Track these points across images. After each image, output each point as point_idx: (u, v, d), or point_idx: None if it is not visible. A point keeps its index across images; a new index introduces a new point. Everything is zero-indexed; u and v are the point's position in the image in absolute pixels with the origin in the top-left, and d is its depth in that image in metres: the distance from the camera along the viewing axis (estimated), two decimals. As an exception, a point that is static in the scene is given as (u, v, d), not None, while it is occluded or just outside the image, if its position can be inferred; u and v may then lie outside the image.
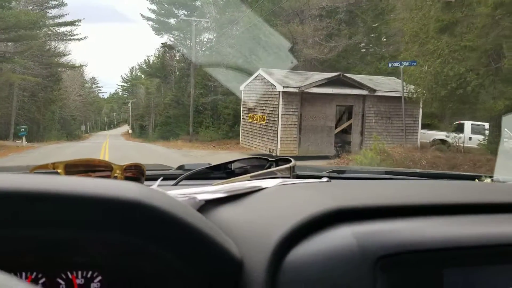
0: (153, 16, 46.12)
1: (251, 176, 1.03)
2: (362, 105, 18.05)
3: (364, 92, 17.71)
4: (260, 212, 0.73)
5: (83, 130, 68.48)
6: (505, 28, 11.25)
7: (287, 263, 0.58)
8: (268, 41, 26.47)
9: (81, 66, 55.91)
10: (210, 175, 1.37)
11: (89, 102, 75.19)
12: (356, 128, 18.18)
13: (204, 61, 32.49)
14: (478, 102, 14.65)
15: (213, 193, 0.82)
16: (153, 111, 54.86)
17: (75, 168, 1.01)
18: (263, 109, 18.15)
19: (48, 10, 39.22)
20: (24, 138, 27.08)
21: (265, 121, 17.93)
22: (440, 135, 18.57)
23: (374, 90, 17.74)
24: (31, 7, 36.91)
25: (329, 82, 17.16)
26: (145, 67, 62.75)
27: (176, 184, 1.23)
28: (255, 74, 19.08)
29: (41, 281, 0.60)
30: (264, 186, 0.86)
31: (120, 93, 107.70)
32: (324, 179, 1.10)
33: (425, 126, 19.61)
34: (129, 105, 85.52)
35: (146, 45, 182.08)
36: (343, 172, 1.70)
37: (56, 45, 43.14)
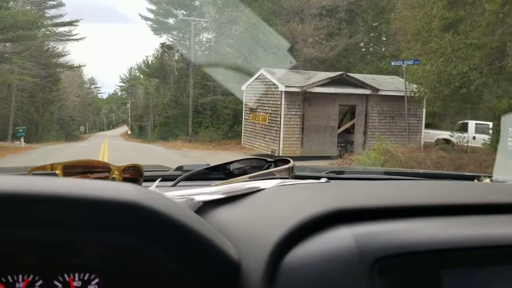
0: (151, 16, 46.04)
1: (249, 177, 1.03)
2: (365, 104, 17.91)
3: (367, 92, 17.56)
4: (258, 213, 0.73)
5: (82, 131, 68.43)
6: (511, 25, 11.11)
7: (285, 265, 0.58)
8: (268, 41, 26.38)
9: (79, 66, 55.79)
10: (209, 176, 1.37)
11: (88, 102, 75.08)
12: (359, 128, 18.04)
13: (203, 61, 32.38)
14: (481, 101, 14.56)
15: (211, 195, 0.82)
16: (152, 112, 54.77)
17: (73, 169, 1.02)
18: (265, 109, 18.02)
19: (46, 10, 39.25)
20: (22, 139, 26.91)
21: (267, 121, 17.79)
22: (444, 134, 18.41)
23: (377, 90, 17.61)
24: (29, 7, 36.87)
25: (331, 82, 17.02)
26: (144, 68, 62.59)
27: (174, 185, 1.23)
28: (257, 74, 18.92)
29: (38, 284, 0.60)
30: (262, 187, 0.85)
31: (119, 93, 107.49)
32: (323, 180, 1.11)
33: (426, 126, 19.47)
34: (128, 105, 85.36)
35: (145, 45, 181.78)
36: (342, 172, 1.71)
37: (54, 45, 42.98)
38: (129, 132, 72.84)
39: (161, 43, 47.25)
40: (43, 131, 41.31)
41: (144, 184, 1.12)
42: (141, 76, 69.49)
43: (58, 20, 39.90)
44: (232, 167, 1.34)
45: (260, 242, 0.61)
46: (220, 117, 30.44)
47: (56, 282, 0.60)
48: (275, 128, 17.13)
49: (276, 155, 16.60)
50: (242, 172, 1.31)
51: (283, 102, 16.66)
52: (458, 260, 0.60)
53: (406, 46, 16.08)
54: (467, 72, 12.89)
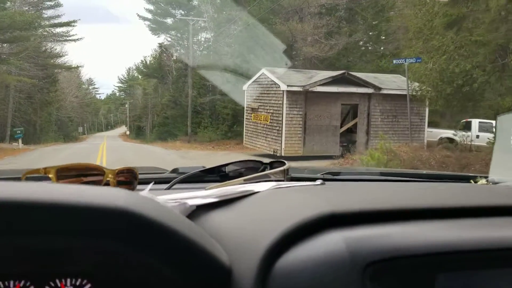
0: (149, 16, 46.01)
1: (244, 180, 1.03)
2: (368, 103, 17.79)
3: (370, 90, 17.44)
4: (251, 218, 0.73)
5: (80, 132, 68.50)
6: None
7: (277, 270, 0.58)
8: (267, 40, 26.25)
9: (77, 67, 55.63)
10: (204, 178, 1.37)
11: (86, 103, 75.15)
12: (362, 127, 17.93)
13: (202, 61, 32.24)
14: (483, 100, 14.42)
15: (204, 198, 0.81)
16: (150, 112, 54.73)
17: (66, 172, 1.01)
18: (267, 109, 17.91)
19: (43, 11, 39.15)
20: (20, 141, 26.89)
21: (269, 120, 17.67)
22: (447, 133, 18.29)
23: (380, 88, 17.49)
24: (26, 8, 36.69)
25: (333, 81, 16.89)
26: (142, 68, 62.49)
27: (169, 188, 1.23)
28: (258, 73, 18.81)
29: None
30: (256, 190, 0.85)
31: (117, 94, 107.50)
32: (318, 182, 1.07)
33: (428, 124, 19.33)
34: (126, 106, 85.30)
35: (143, 45, 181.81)
36: (338, 173, 1.70)
37: (52, 46, 42.88)
38: (128, 132, 72.81)
39: (159, 43, 47.23)
40: (41, 132, 41.28)
41: (139, 187, 1.13)
42: (139, 77, 69.40)
43: (56, 21, 39.97)
44: (227, 169, 1.34)
45: (252, 246, 0.61)
46: (219, 117, 30.30)
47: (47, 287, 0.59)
48: (277, 128, 17.03)
49: (278, 155, 16.58)
50: (237, 175, 1.29)
51: (285, 102, 16.56)
52: (452, 263, 0.60)
53: (407, 44, 15.98)
54: (469, 70, 12.76)
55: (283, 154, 16.40)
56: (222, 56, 29.60)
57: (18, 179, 1.16)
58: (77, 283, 0.59)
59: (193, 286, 0.56)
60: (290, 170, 1.25)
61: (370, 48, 31.33)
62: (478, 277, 0.61)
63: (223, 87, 25.19)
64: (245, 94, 20.17)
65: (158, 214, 0.56)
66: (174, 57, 44.13)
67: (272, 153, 17.05)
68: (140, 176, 1.20)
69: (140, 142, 42.04)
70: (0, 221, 0.50)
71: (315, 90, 16.61)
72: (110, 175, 1.07)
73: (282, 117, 16.66)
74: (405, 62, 15.09)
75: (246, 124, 20.18)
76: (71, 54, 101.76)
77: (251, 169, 1.30)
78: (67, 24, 39.91)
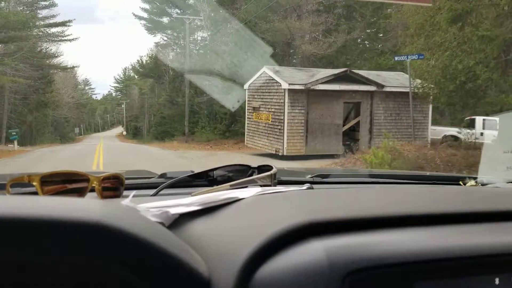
0: (145, 15, 45.78)
1: (230, 185, 1.03)
2: (370, 101, 17.63)
3: (372, 88, 17.28)
4: (232, 226, 0.73)
5: (76, 133, 68.51)
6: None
7: (256, 280, 0.58)
8: (265, 39, 26.09)
9: (73, 67, 55.54)
10: (193, 183, 1.37)
11: (82, 104, 75.13)
12: (365, 125, 17.78)
13: (199, 60, 32.07)
14: (486, 96, 14.27)
15: (187, 206, 0.81)
16: (147, 112, 54.69)
17: (51, 179, 1.01)
18: (269, 108, 17.77)
19: (38, 11, 38.97)
20: (16, 142, 26.77)
21: (270, 120, 17.51)
22: (451, 131, 18.13)
23: (383, 86, 17.32)
24: (21, 8, 36.49)
25: (336, 79, 16.74)
26: (138, 68, 62.27)
27: (155, 194, 1.23)
28: (259, 72, 18.64)
29: None
30: (241, 197, 0.85)
31: (114, 94, 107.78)
32: (305, 187, 1.10)
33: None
34: (122, 106, 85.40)
35: (139, 45, 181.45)
36: (327, 176, 1.71)
37: (47, 46, 42.68)
38: (124, 133, 72.87)
39: (155, 43, 47.08)
40: (37, 133, 41.22)
41: (126, 192, 1.13)
42: (136, 76, 69.24)
43: (51, 21, 39.82)
44: (215, 174, 1.34)
45: (231, 256, 0.60)
46: (216, 116, 30.10)
47: None
48: (279, 127, 16.89)
49: (280, 154, 16.49)
50: (226, 179, 1.30)
51: (286, 100, 16.41)
52: (431, 271, 0.60)
53: (408, 41, 15.77)
54: (473, 67, 12.59)
55: (285, 153, 16.32)
56: (219, 55, 29.40)
57: (3, 185, 1.12)
58: None
59: None
60: (279, 173, 1.27)
61: (368, 45, 31.26)
62: (459, 285, 0.61)
63: (221, 87, 24.95)
64: (246, 93, 20.03)
65: (134, 227, 0.55)
66: (171, 57, 43.99)
67: (274, 152, 16.96)
68: (128, 181, 1.23)
69: (137, 143, 42.01)
70: None
71: (317, 88, 16.48)
72: (95, 182, 1.07)
73: (284, 116, 16.52)
74: (407, 59, 14.88)
75: (248, 123, 20.02)
76: (66, 54, 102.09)
77: (239, 173, 1.30)
78: (62, 24, 39.79)
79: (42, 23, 38.59)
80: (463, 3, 11.74)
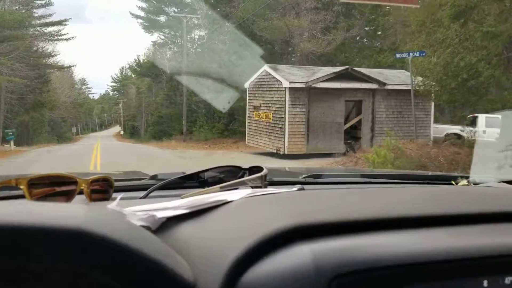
0: (142, 14, 45.58)
1: (220, 187, 1.02)
2: (372, 99, 17.55)
3: (374, 86, 17.19)
4: (219, 230, 0.73)
5: (74, 132, 68.39)
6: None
7: (242, 285, 0.57)
8: (263, 37, 25.97)
9: (70, 67, 55.45)
10: (183, 184, 1.37)
11: (79, 103, 75.03)
12: (366, 123, 17.71)
13: (196, 59, 31.93)
14: (488, 94, 14.15)
15: (174, 210, 0.79)
16: (144, 111, 54.52)
17: (39, 182, 1.01)
18: (269, 106, 17.71)
19: (34, 10, 38.80)
20: (12, 142, 26.62)
21: (271, 118, 17.46)
22: (454, 129, 18.03)
23: (384, 84, 17.23)
24: (16, 7, 36.29)
25: (337, 76, 16.67)
26: (135, 67, 62.04)
27: (145, 196, 1.23)
28: (260, 71, 18.61)
29: None
30: (229, 200, 0.84)
31: (111, 93, 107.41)
32: (295, 188, 1.07)
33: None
34: (120, 105, 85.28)
35: (136, 44, 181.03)
36: (319, 176, 1.71)
37: (43, 45, 42.57)
38: (122, 132, 72.75)
39: (152, 41, 46.93)
40: (34, 133, 41.10)
41: (116, 195, 1.12)
42: (133, 76, 68.98)
43: (47, 20, 39.60)
44: (206, 175, 1.33)
45: (217, 261, 0.60)
46: (215, 115, 29.92)
47: None
48: (280, 126, 16.82)
49: (281, 153, 16.42)
50: (217, 180, 1.29)
51: (287, 99, 16.34)
52: (423, 274, 0.59)
53: (409, 38, 15.67)
54: (475, 64, 12.48)
55: (286, 152, 16.26)
56: (216, 53, 29.26)
57: None
58: None
59: None
60: (272, 174, 1.30)
61: (367, 43, 31.19)
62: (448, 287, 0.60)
63: (219, 85, 24.81)
64: (247, 91, 19.95)
65: (117, 232, 0.55)
66: (168, 55, 43.85)
67: (275, 151, 16.89)
68: (118, 183, 1.24)
69: (135, 142, 41.94)
70: None
71: (318, 87, 16.40)
72: (83, 185, 1.06)
73: (285, 114, 16.45)
74: (409, 56, 14.75)
75: (248, 122, 19.94)
76: (63, 53, 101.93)
77: (230, 174, 1.29)
78: (59, 23, 39.66)
79: (38, 22, 38.57)
80: (466, -1, 11.64)
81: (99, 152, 22.20)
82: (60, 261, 0.51)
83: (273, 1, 26.75)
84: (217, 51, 29.78)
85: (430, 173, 2.79)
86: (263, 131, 18.26)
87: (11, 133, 26.89)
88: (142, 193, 1.25)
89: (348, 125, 17.69)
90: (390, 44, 27.93)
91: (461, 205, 0.82)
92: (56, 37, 41.86)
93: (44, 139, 40.95)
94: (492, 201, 0.89)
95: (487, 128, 16.29)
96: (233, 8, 28.54)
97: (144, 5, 44.97)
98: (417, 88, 15.02)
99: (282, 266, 0.57)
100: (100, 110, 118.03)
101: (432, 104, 17.60)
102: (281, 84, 16.54)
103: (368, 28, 30.13)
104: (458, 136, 16.57)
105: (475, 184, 1.47)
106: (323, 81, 16.46)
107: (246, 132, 20.33)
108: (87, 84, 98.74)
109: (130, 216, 0.72)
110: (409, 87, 15.68)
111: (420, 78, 14.80)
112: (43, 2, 38.61)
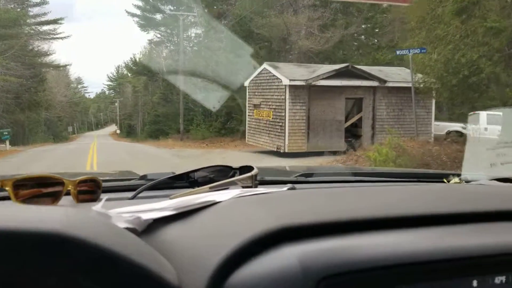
0: (138, 12, 45.34)
1: (210, 187, 1.01)
2: (373, 97, 17.47)
3: (374, 84, 17.12)
4: (205, 232, 0.72)
5: (70, 131, 68.18)
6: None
7: None
8: (260, 35, 25.85)
9: (65, 65, 55.24)
10: (173, 185, 1.36)
11: (75, 102, 74.91)
12: (367, 121, 17.64)
13: (193, 57, 31.79)
14: (489, 91, 14.05)
15: (161, 211, 0.78)
16: (141, 110, 54.34)
17: (24, 183, 1.00)
18: (269, 104, 17.64)
19: (29, 8, 38.53)
20: (7, 142, 26.37)
21: (271, 116, 17.37)
22: (455, 126, 17.91)
23: (385, 81, 17.15)
24: (11, 6, 36.05)
25: (337, 74, 16.59)
26: (131, 65, 61.82)
27: (134, 197, 1.23)
28: (260, 69, 18.54)
29: None
30: (218, 200, 0.83)
31: (107, 92, 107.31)
32: (285, 188, 1.09)
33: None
34: (116, 104, 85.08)
35: (132, 42, 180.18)
36: (311, 175, 1.72)
37: (39, 44, 42.38)
38: (118, 131, 72.54)
39: (148, 40, 46.77)
40: (30, 133, 40.87)
41: (104, 195, 1.12)
42: (129, 74, 68.76)
43: (42, 19, 39.42)
44: (196, 175, 1.32)
45: (202, 264, 0.59)
46: (212, 114, 29.78)
47: None
48: (280, 124, 16.75)
49: (281, 151, 16.36)
50: (208, 180, 1.28)
51: (287, 97, 16.26)
52: (411, 275, 0.59)
53: (409, 34, 15.54)
54: (476, 60, 12.37)
55: (286, 150, 16.21)
56: (213, 52, 29.12)
57: None
58: None
59: None
60: (263, 173, 1.32)
61: (364, 40, 31.14)
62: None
63: (216, 84, 24.67)
64: (247, 90, 19.86)
65: (98, 236, 0.54)
66: (164, 54, 43.68)
67: (275, 149, 16.82)
68: (107, 184, 1.26)
69: (131, 141, 41.85)
70: None
71: (318, 84, 16.33)
72: (70, 186, 1.05)
73: (285, 112, 16.39)
74: (409, 53, 14.62)
75: (248, 121, 19.86)
76: (58, 52, 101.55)
77: (220, 174, 1.28)
78: (54, 21, 39.50)
79: (33, 20, 38.42)
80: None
81: (95, 152, 22.03)
82: (35, 267, 0.50)
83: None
84: (213, 49, 29.63)
85: (422, 171, 2.81)
86: (263, 129, 18.18)
87: (6, 133, 26.53)
88: (132, 194, 1.25)
89: (348, 123, 17.63)
90: (388, 42, 27.91)
91: (452, 204, 0.81)
92: (51, 35, 41.75)
93: (40, 139, 40.74)
94: (483, 200, 0.88)
95: (488, 125, 16.21)
96: (230, 5, 28.39)
97: (140, 3, 44.75)
98: (417, 86, 14.91)
99: (268, 269, 0.56)
100: (96, 109, 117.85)
101: (433, 101, 17.51)
102: (281, 82, 16.46)
103: (366, 26, 30.09)
104: (460, 134, 16.45)
105: (467, 182, 1.47)
106: (323, 78, 16.38)
107: (246, 130, 20.25)
108: (83, 83, 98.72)
109: (115, 218, 0.70)
110: (409, 85, 15.60)
111: (420, 75, 14.70)
112: (38, 0, 38.43)
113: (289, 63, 20.34)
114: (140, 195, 1.24)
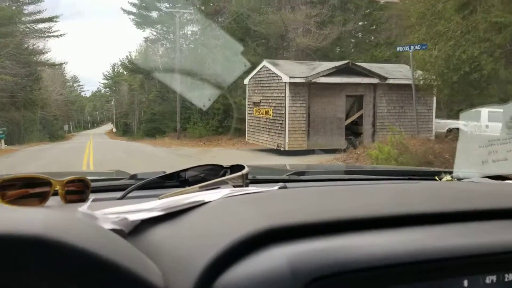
0: (134, 9, 45.15)
1: (200, 187, 1.01)
2: (373, 94, 17.36)
3: (375, 81, 17.02)
4: (193, 233, 0.70)
5: (66, 130, 67.83)
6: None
7: None
8: (258, 32, 25.70)
9: (61, 64, 54.89)
10: (164, 184, 1.35)
11: (71, 101, 74.79)
12: (368, 118, 17.53)
13: (189, 55, 31.62)
14: (489, 87, 13.94)
15: (148, 212, 0.77)
16: (137, 108, 54.15)
17: (11, 184, 0.99)
18: (269, 102, 17.54)
19: (24, 6, 38.39)
20: (3, 141, 26.24)
21: (271, 114, 17.27)
22: (456, 124, 17.77)
23: (385, 78, 17.04)
24: (6, 3, 35.85)
25: (337, 71, 16.49)
26: (127, 63, 61.60)
27: (123, 197, 1.22)
28: (259, 66, 18.42)
29: None
30: (207, 200, 0.82)
31: (103, 91, 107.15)
32: (276, 187, 1.08)
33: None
34: (112, 102, 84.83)
35: (128, 40, 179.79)
36: (303, 173, 1.72)
37: (34, 42, 42.17)
38: (114, 130, 72.45)
39: (144, 38, 46.57)
40: (26, 131, 40.66)
41: (93, 195, 1.12)
42: (125, 73, 68.54)
43: (37, 17, 39.33)
44: (187, 174, 1.31)
45: (189, 265, 0.58)
46: (209, 112, 29.60)
47: None
48: (280, 122, 16.65)
49: (282, 149, 16.28)
50: (199, 179, 1.27)
51: (287, 94, 16.15)
52: (403, 276, 0.58)
53: (410, 30, 15.41)
54: (477, 56, 12.24)
55: (287, 148, 16.11)
56: (210, 49, 28.96)
57: None
58: None
59: None
60: (255, 172, 1.35)
61: (362, 37, 31.10)
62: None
63: (212, 82, 24.51)
64: (246, 88, 19.74)
65: (82, 238, 0.53)
66: (160, 52, 43.52)
67: (276, 147, 16.73)
68: (96, 184, 1.25)
69: (128, 140, 41.69)
70: None
71: (319, 82, 16.23)
72: (58, 186, 1.05)
73: (285, 110, 16.27)
74: (409, 49, 14.48)
75: (248, 119, 19.75)
76: (54, 50, 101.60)
77: (211, 173, 1.26)
78: (49, 19, 39.39)
79: (28, 18, 38.27)
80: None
81: (91, 151, 21.86)
82: (16, 272, 0.49)
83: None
84: (210, 46, 29.46)
85: (413, 168, 2.78)
86: (263, 127, 18.08)
87: (1, 132, 26.37)
88: (121, 194, 1.23)
89: (349, 121, 17.55)
90: (386, 38, 27.83)
91: (443, 203, 0.80)
92: (46, 34, 41.76)
93: (36, 138, 40.52)
94: (474, 198, 0.86)
95: (489, 122, 16.09)
96: (226, 2, 28.22)
97: (135, 1, 44.59)
98: (417, 83, 14.78)
99: (257, 270, 0.55)
100: (92, 108, 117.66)
101: (434, 98, 17.40)
102: (281, 79, 16.35)
103: (363, 23, 30.01)
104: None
105: (459, 179, 1.47)
106: (323, 76, 16.28)
107: (246, 129, 20.14)
108: (79, 82, 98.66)
109: (101, 219, 0.69)
110: (410, 82, 15.46)
111: (420, 72, 14.56)
112: (33, -2, 38.26)
113: (289, 60, 20.26)
114: (130, 195, 1.23)
